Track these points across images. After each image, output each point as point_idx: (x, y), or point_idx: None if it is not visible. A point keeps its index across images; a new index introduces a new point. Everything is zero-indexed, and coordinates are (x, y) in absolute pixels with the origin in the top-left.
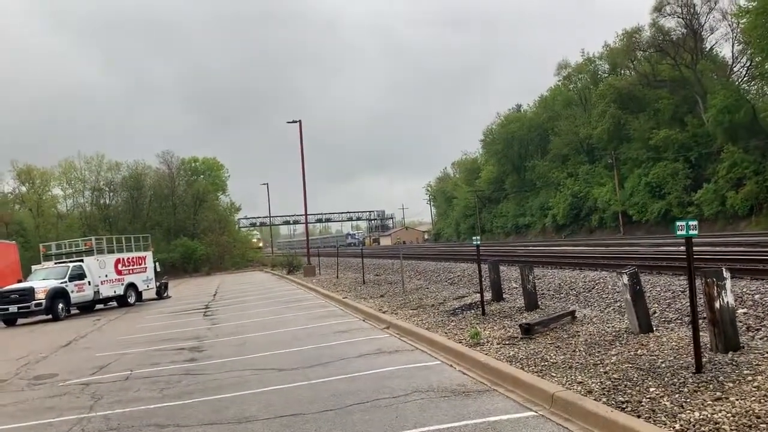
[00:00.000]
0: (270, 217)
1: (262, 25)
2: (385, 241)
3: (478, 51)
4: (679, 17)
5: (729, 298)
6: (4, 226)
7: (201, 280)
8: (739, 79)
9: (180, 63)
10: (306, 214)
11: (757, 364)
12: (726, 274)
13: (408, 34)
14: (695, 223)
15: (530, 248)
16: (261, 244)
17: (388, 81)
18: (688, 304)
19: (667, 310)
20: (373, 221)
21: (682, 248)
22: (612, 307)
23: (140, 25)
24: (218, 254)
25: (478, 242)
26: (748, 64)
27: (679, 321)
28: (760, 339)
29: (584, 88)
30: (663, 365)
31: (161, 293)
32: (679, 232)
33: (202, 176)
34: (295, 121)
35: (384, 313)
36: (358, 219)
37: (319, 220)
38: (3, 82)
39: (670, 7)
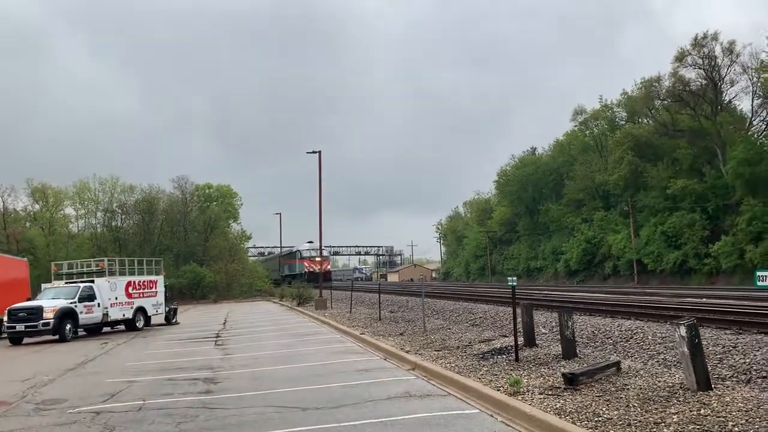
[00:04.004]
0: (281, 247)
1: (287, 59)
2: (393, 278)
3: (496, 93)
4: (700, 68)
5: None
6: (15, 242)
7: (208, 307)
8: (758, 134)
9: (208, 93)
10: (321, 247)
11: None
12: None
13: (429, 75)
14: None
15: (546, 292)
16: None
17: (404, 119)
18: (742, 360)
19: (719, 366)
20: (381, 257)
21: (706, 300)
22: (656, 360)
23: (173, 58)
24: (226, 282)
25: (514, 284)
26: (767, 118)
27: (735, 379)
28: None
29: (601, 134)
30: (736, 429)
31: (170, 319)
32: (759, 284)
33: (214, 203)
34: (315, 152)
35: (407, 352)
36: (366, 254)
37: (328, 254)
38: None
39: (691, 58)
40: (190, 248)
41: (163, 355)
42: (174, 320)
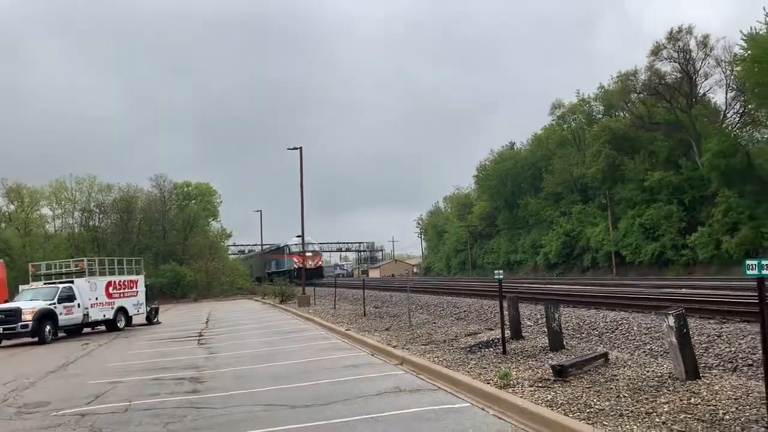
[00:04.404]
0: (262, 245)
1: (272, 59)
2: (374, 273)
3: (476, 89)
4: (675, 62)
5: None
6: None
7: (189, 306)
8: (732, 125)
9: (188, 91)
10: (303, 243)
11: None
12: None
13: (410, 72)
14: None
15: (527, 285)
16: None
17: (384, 115)
18: (728, 349)
19: (705, 355)
20: (362, 253)
21: (686, 290)
22: (642, 350)
23: (153, 56)
24: (207, 281)
25: (501, 277)
26: (741, 110)
27: (721, 367)
28: None
29: (578, 128)
30: (727, 417)
31: (151, 319)
32: (749, 272)
33: (194, 201)
34: (296, 148)
35: (394, 347)
36: (348, 250)
37: (319, 248)
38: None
39: (666, 52)
40: (169, 247)
41: (146, 355)
42: (155, 320)
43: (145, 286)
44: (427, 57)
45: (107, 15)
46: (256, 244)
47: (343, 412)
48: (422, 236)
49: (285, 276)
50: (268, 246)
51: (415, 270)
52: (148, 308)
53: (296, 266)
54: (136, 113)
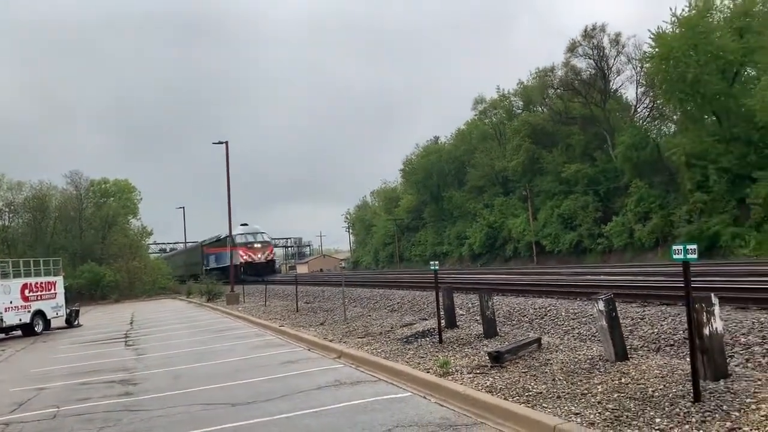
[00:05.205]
0: (186, 243)
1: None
2: (302, 269)
3: (400, 83)
4: (589, 58)
5: (718, 325)
6: None
7: (111, 307)
8: (643, 120)
9: (102, 86)
10: (231, 235)
11: (754, 392)
12: (714, 299)
13: (334, 66)
14: (694, 247)
15: (455, 276)
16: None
17: (309, 110)
18: (651, 330)
19: (631, 337)
20: (289, 248)
21: (604, 276)
22: (571, 334)
23: (62, 50)
24: (128, 281)
25: (436, 268)
26: (650, 105)
27: (646, 348)
28: (737, 366)
29: (499, 122)
30: (656, 394)
31: (72, 321)
32: (675, 256)
33: (112, 198)
34: (222, 142)
35: (331, 341)
36: (275, 246)
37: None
38: None
39: (582, 49)
40: (87, 247)
41: (70, 359)
42: (76, 322)
43: (64, 287)
44: (354, 52)
45: (9, 4)
46: (178, 242)
47: (284, 407)
48: (350, 230)
49: (228, 273)
50: (208, 239)
51: (342, 264)
52: (68, 311)
53: (243, 260)
54: (46, 108)
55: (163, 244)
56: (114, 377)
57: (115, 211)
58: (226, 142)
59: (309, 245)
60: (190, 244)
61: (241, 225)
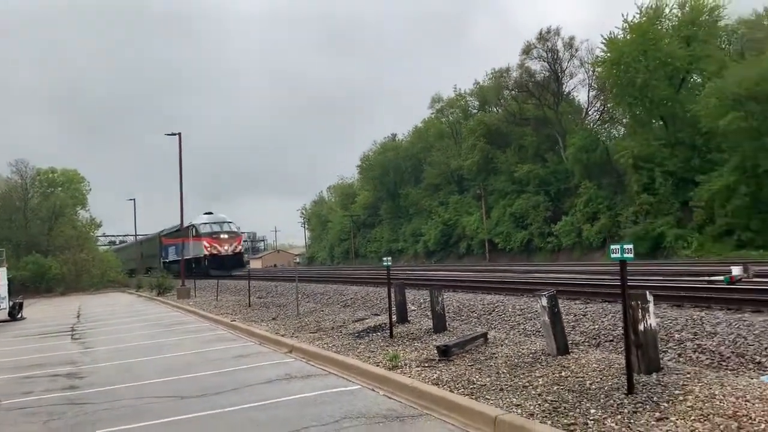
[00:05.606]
0: (135, 235)
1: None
2: (256, 264)
3: (360, 80)
4: (544, 61)
5: (652, 321)
6: None
7: (57, 300)
8: (593, 122)
9: (51, 74)
10: (182, 227)
11: (683, 385)
12: (649, 297)
13: (290, 59)
14: (630, 247)
15: (409, 272)
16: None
17: (265, 102)
18: (592, 326)
19: (573, 332)
20: (243, 243)
21: (552, 274)
22: (517, 330)
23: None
24: (75, 273)
25: (389, 264)
26: (601, 108)
27: (587, 343)
28: (670, 360)
29: (456, 121)
30: (593, 387)
31: (15, 314)
32: (613, 255)
33: (60, 189)
34: (175, 134)
35: (283, 336)
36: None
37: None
38: None
39: (536, 51)
40: (32, 238)
41: (12, 352)
42: (19, 315)
43: (7, 279)
44: (314, 47)
45: None
46: (128, 235)
47: (235, 400)
48: (306, 226)
49: (191, 266)
50: (167, 229)
51: (297, 260)
52: (11, 303)
53: (208, 252)
54: None
55: (114, 236)
56: (60, 371)
57: (62, 201)
58: (179, 134)
59: (263, 240)
60: (140, 236)
61: (205, 213)
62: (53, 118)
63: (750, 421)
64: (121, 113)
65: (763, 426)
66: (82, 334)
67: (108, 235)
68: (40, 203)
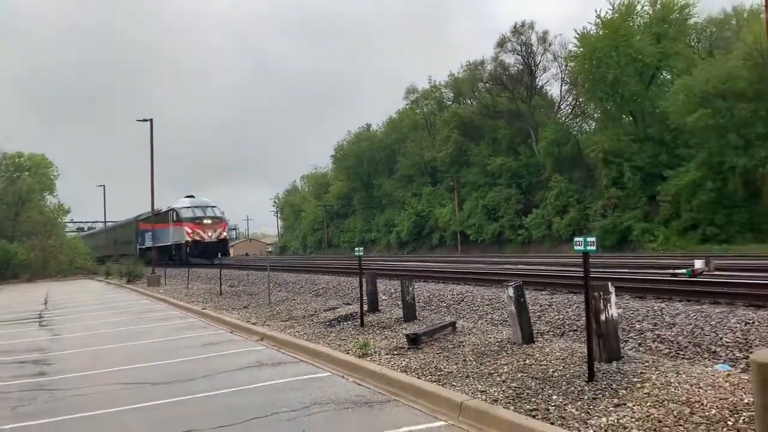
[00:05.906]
0: (105, 222)
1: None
2: None
3: (334, 68)
4: (518, 54)
5: (614, 311)
6: None
7: (23, 287)
8: (565, 116)
9: (14, 53)
10: (153, 214)
11: (641, 372)
12: (611, 288)
13: (265, 46)
14: (593, 239)
15: (381, 262)
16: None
17: (237, 90)
18: (557, 316)
19: (539, 322)
20: None
21: (522, 266)
22: (484, 319)
23: None
24: (42, 260)
25: (361, 254)
26: (573, 103)
27: (552, 333)
28: (630, 349)
29: (430, 113)
30: (556, 374)
31: None
32: (576, 248)
33: (27, 173)
34: (146, 120)
35: (254, 324)
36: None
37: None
38: None
39: (510, 44)
40: None
41: None
42: None
43: None
44: (289, 35)
45: None
46: (97, 221)
47: (205, 386)
48: (278, 215)
49: (171, 253)
50: (144, 214)
51: (270, 249)
52: None
53: (190, 239)
54: None
55: (83, 222)
56: (27, 357)
57: (29, 186)
58: (151, 120)
59: (235, 229)
60: (113, 222)
61: (187, 197)
62: (19, 101)
63: (702, 407)
64: (92, 98)
65: (713, 411)
66: (50, 321)
67: (76, 221)
68: (6, 188)
